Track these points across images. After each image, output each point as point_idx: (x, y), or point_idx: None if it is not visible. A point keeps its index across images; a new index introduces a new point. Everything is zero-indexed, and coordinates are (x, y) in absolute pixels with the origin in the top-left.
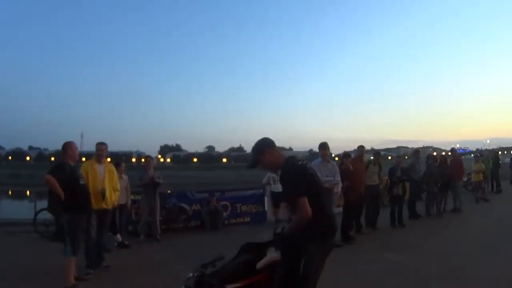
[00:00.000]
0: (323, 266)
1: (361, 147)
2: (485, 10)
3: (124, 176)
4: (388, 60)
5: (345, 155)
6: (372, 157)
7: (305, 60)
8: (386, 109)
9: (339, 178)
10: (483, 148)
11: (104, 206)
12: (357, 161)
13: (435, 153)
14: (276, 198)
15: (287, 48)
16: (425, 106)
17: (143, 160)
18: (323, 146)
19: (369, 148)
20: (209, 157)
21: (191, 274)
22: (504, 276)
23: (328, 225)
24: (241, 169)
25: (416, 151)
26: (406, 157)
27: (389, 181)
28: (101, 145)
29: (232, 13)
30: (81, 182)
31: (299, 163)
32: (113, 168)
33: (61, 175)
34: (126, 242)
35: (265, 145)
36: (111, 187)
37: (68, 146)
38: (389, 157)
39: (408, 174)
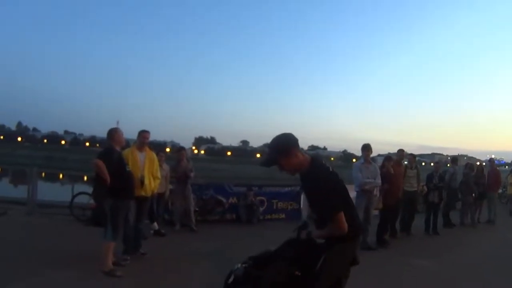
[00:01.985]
0: (346, 269)
1: (401, 151)
2: None
3: (165, 166)
4: (431, 65)
5: (387, 158)
6: (406, 161)
7: (347, 61)
8: (423, 114)
9: (379, 181)
10: None
11: (142, 193)
12: (396, 165)
13: (478, 163)
14: None
15: (331, 49)
16: (463, 113)
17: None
18: (366, 147)
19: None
20: (243, 151)
21: (239, 265)
22: None
23: (355, 226)
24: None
25: (455, 159)
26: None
27: (426, 187)
28: (145, 133)
29: (278, 10)
30: (128, 169)
31: (330, 169)
32: (154, 156)
33: (109, 160)
34: (162, 231)
35: (290, 145)
36: (150, 175)
37: (114, 131)
38: (423, 163)
39: (445, 181)
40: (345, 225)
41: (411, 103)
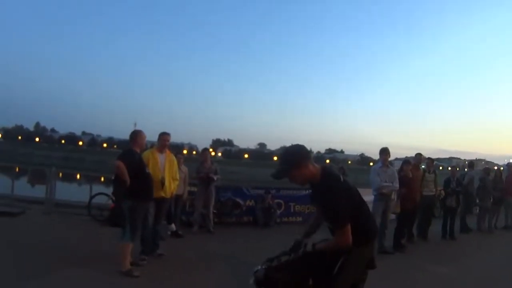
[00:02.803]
0: (363, 272)
1: (419, 155)
2: None
3: (184, 168)
4: (449, 69)
5: (406, 161)
6: (423, 165)
7: (365, 66)
8: (440, 118)
9: (397, 185)
10: None
11: (162, 194)
12: (414, 169)
13: (495, 167)
14: None
15: (349, 53)
16: (481, 118)
17: (193, 152)
18: (385, 151)
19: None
20: (260, 154)
21: (259, 267)
22: None
23: (371, 231)
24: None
25: (472, 163)
26: (457, 169)
27: (443, 191)
28: (166, 135)
29: (296, 14)
30: (147, 171)
31: (342, 179)
32: (174, 158)
33: (129, 162)
34: (180, 232)
35: (302, 158)
36: (170, 176)
37: (138, 134)
38: (441, 167)
39: (463, 185)
40: (350, 239)
41: (429, 107)
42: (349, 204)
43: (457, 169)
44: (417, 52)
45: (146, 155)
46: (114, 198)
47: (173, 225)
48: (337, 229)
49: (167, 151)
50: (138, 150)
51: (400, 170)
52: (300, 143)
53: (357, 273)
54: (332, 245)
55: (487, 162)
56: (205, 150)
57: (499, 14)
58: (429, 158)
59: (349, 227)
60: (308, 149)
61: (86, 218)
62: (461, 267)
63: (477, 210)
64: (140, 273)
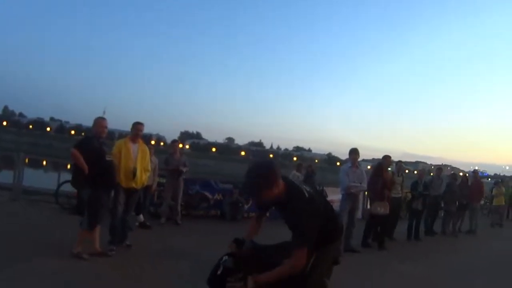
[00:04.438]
0: (329, 269)
1: (388, 157)
2: None
3: (154, 158)
4: (419, 75)
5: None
6: (393, 168)
7: (337, 66)
8: (408, 122)
9: (365, 185)
10: (501, 174)
11: (133, 185)
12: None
13: (461, 174)
14: None
15: (322, 52)
16: (447, 124)
17: (161, 143)
18: (354, 151)
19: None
20: (228, 148)
21: (226, 257)
22: None
23: (338, 230)
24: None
25: (439, 168)
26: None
27: (409, 194)
28: (139, 125)
29: (271, 11)
30: (107, 158)
31: (306, 194)
32: (147, 148)
33: (86, 149)
34: (148, 223)
35: (275, 177)
36: (142, 167)
37: (94, 122)
38: (406, 171)
39: (431, 189)
40: (303, 263)
41: (397, 111)
42: (316, 222)
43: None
44: (388, 56)
45: (118, 144)
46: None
47: (141, 216)
48: (297, 248)
49: (140, 141)
50: (101, 136)
51: (382, 172)
52: (268, 139)
53: (327, 269)
54: (284, 270)
55: (453, 168)
56: (175, 141)
57: (473, 20)
58: (398, 161)
59: (306, 251)
60: (276, 146)
61: (53, 206)
62: (426, 266)
63: (442, 214)
64: (110, 264)
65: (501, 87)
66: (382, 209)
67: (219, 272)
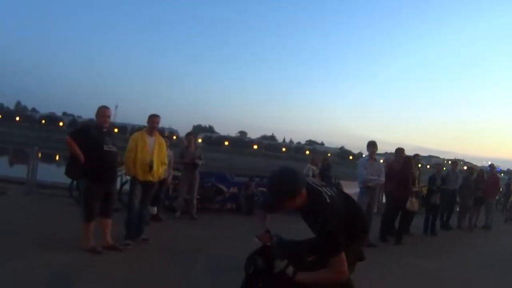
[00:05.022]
0: (354, 264)
1: (401, 150)
2: None
3: (169, 151)
4: (432, 70)
5: (410, 157)
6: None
7: (348, 58)
8: (421, 116)
9: (383, 178)
10: None
11: (150, 178)
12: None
13: (476, 168)
14: None
15: (332, 45)
16: (462, 118)
17: (173, 137)
18: (372, 144)
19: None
20: (241, 142)
21: (256, 256)
22: None
23: (363, 225)
24: (271, 158)
25: (454, 162)
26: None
27: (427, 189)
28: (155, 117)
29: (283, 6)
30: (106, 148)
31: (327, 199)
32: (163, 141)
33: (83, 138)
34: (160, 215)
35: (299, 187)
36: (159, 160)
37: (97, 111)
38: (419, 165)
39: (446, 183)
40: (346, 271)
41: (410, 105)
42: (341, 225)
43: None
44: (402, 50)
45: (135, 137)
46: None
47: (155, 209)
48: (333, 257)
49: (157, 134)
50: (104, 126)
51: (410, 165)
52: (281, 133)
53: (350, 266)
54: (326, 278)
55: (465, 163)
56: (189, 134)
57: (487, 13)
58: (416, 155)
59: (344, 257)
60: (288, 140)
61: (68, 200)
62: (443, 261)
63: (457, 209)
64: (125, 258)
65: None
66: (416, 205)
67: (251, 271)
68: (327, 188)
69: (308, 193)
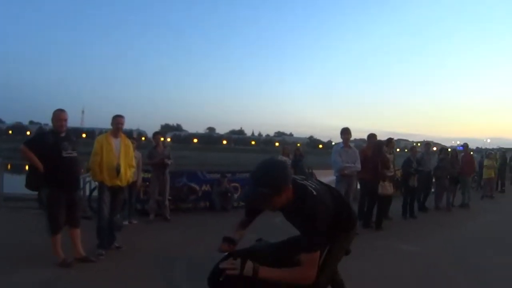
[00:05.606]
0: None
1: (372, 135)
2: (497, 7)
3: (137, 153)
4: (392, 51)
5: (382, 142)
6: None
7: (310, 47)
8: (386, 101)
9: (359, 165)
10: (483, 147)
11: (118, 183)
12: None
13: (449, 149)
14: None
15: (292, 32)
16: (426, 100)
17: (142, 138)
18: (346, 131)
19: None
20: (210, 138)
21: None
22: None
23: (353, 218)
24: (242, 152)
25: (428, 144)
26: (406, 150)
27: (399, 172)
28: (119, 118)
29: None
30: (65, 154)
31: (314, 192)
32: (130, 143)
33: (39, 146)
34: (134, 221)
35: (286, 180)
36: (126, 163)
37: (52, 115)
38: (398, 149)
39: (422, 165)
40: (313, 275)
41: (375, 90)
42: (326, 221)
43: (406, 150)
44: (366, 31)
45: (99, 140)
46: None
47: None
48: (308, 253)
49: (122, 135)
50: (61, 131)
51: (379, 149)
52: (249, 126)
53: (340, 259)
54: (290, 277)
55: (435, 144)
56: (157, 134)
57: None
58: (390, 138)
59: (318, 256)
60: (257, 133)
61: (37, 212)
62: (425, 243)
63: (432, 190)
64: (99, 269)
65: (479, 62)
66: (389, 190)
67: (221, 279)
68: (310, 182)
69: (294, 188)
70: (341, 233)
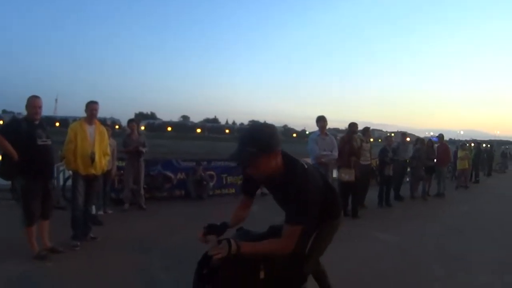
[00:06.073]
0: (328, 243)
1: (352, 124)
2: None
3: (112, 140)
4: (366, 44)
5: (353, 131)
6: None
7: (276, 36)
8: (360, 90)
9: (336, 153)
10: (456, 138)
11: (93, 171)
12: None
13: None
14: None
15: (261, 22)
16: (401, 91)
17: (115, 127)
18: (322, 118)
19: (343, 128)
20: (184, 126)
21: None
22: (495, 257)
23: (336, 203)
24: (216, 140)
25: (404, 134)
26: (380, 140)
27: (375, 161)
28: (94, 104)
29: None
30: (40, 142)
31: (306, 166)
32: (104, 130)
33: (13, 133)
34: (109, 211)
35: (277, 142)
36: (101, 151)
37: (27, 102)
38: (372, 139)
39: (397, 155)
40: (292, 245)
41: (350, 81)
42: (319, 198)
43: (380, 140)
44: (330, 13)
45: (73, 127)
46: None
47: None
48: (291, 225)
49: (97, 122)
50: (35, 118)
51: (349, 139)
52: (223, 115)
53: (327, 245)
54: (272, 247)
55: (408, 134)
56: (132, 121)
57: None
58: (366, 127)
59: (299, 230)
60: (231, 121)
61: (11, 203)
62: (402, 231)
63: (407, 179)
64: (76, 261)
65: (452, 55)
66: (347, 176)
67: (205, 271)
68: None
69: (285, 160)
70: (326, 220)
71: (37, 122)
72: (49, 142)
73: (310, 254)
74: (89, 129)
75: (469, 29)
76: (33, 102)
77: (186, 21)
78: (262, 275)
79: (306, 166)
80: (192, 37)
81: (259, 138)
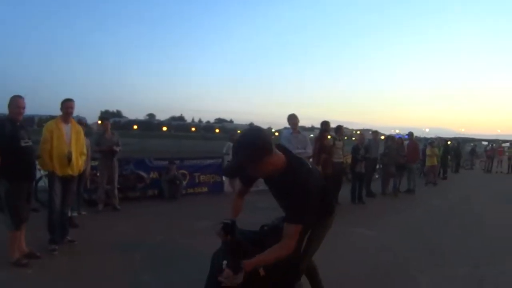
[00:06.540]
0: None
1: (323, 122)
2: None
3: (86, 140)
4: (331, 42)
5: (325, 129)
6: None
7: (231, 33)
8: (327, 90)
9: (310, 151)
10: (421, 136)
11: (69, 172)
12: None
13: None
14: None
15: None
16: (365, 89)
17: (100, 122)
18: (293, 116)
19: (310, 126)
20: (150, 124)
21: (225, 262)
22: (470, 248)
23: (331, 201)
24: (183, 138)
25: (375, 132)
26: (346, 138)
27: (348, 159)
28: (69, 102)
29: None
30: (23, 144)
31: (309, 166)
32: (80, 129)
33: None
34: (83, 213)
35: (268, 148)
36: (77, 151)
37: (10, 101)
38: (329, 136)
39: (369, 152)
40: (294, 246)
41: (316, 79)
42: (318, 197)
43: (346, 138)
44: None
45: (49, 126)
46: None
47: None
48: (292, 226)
49: (72, 121)
50: (17, 119)
51: (321, 137)
52: (189, 113)
53: (320, 244)
54: (276, 252)
55: (374, 132)
56: (105, 120)
57: None
58: (339, 126)
59: (300, 229)
60: (197, 120)
61: None
62: (378, 227)
63: (376, 176)
64: (53, 265)
65: (418, 52)
66: None
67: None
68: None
69: (287, 157)
70: (321, 218)
71: (19, 123)
72: (30, 143)
73: (306, 251)
74: (65, 128)
75: (436, 28)
76: (17, 103)
77: (151, 20)
78: (262, 272)
79: (310, 166)
80: (158, 35)
81: (258, 142)
